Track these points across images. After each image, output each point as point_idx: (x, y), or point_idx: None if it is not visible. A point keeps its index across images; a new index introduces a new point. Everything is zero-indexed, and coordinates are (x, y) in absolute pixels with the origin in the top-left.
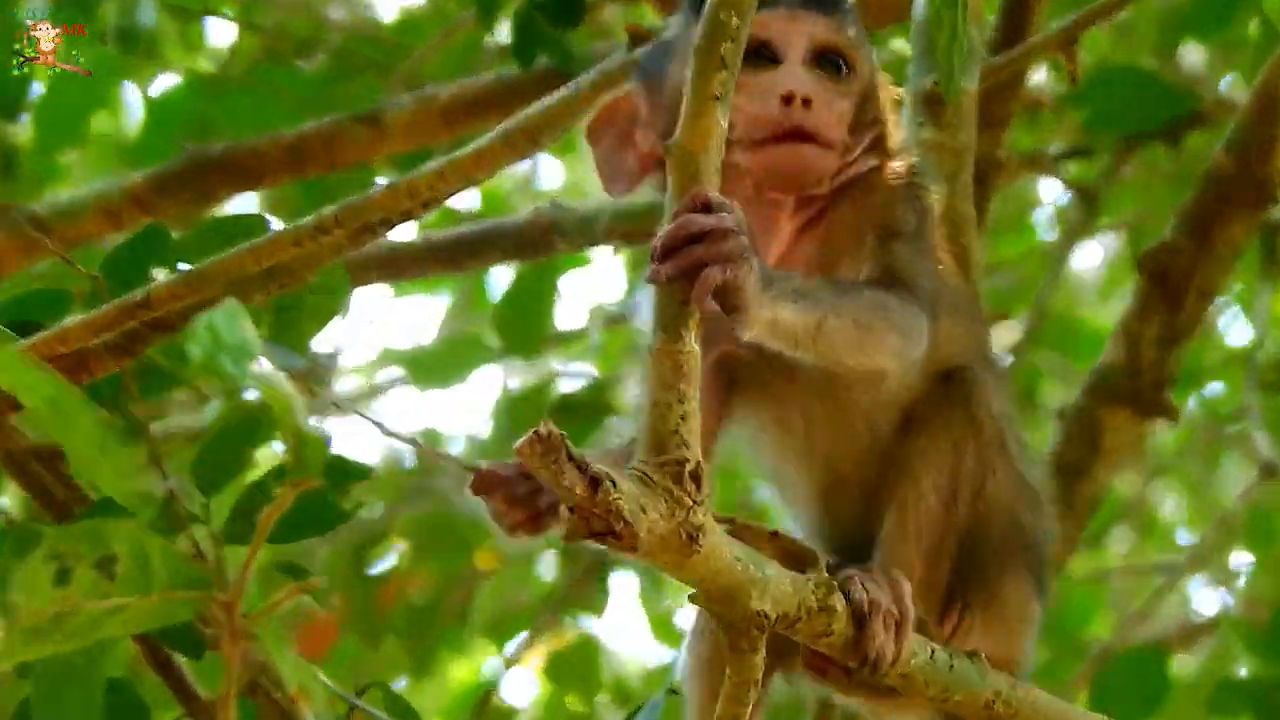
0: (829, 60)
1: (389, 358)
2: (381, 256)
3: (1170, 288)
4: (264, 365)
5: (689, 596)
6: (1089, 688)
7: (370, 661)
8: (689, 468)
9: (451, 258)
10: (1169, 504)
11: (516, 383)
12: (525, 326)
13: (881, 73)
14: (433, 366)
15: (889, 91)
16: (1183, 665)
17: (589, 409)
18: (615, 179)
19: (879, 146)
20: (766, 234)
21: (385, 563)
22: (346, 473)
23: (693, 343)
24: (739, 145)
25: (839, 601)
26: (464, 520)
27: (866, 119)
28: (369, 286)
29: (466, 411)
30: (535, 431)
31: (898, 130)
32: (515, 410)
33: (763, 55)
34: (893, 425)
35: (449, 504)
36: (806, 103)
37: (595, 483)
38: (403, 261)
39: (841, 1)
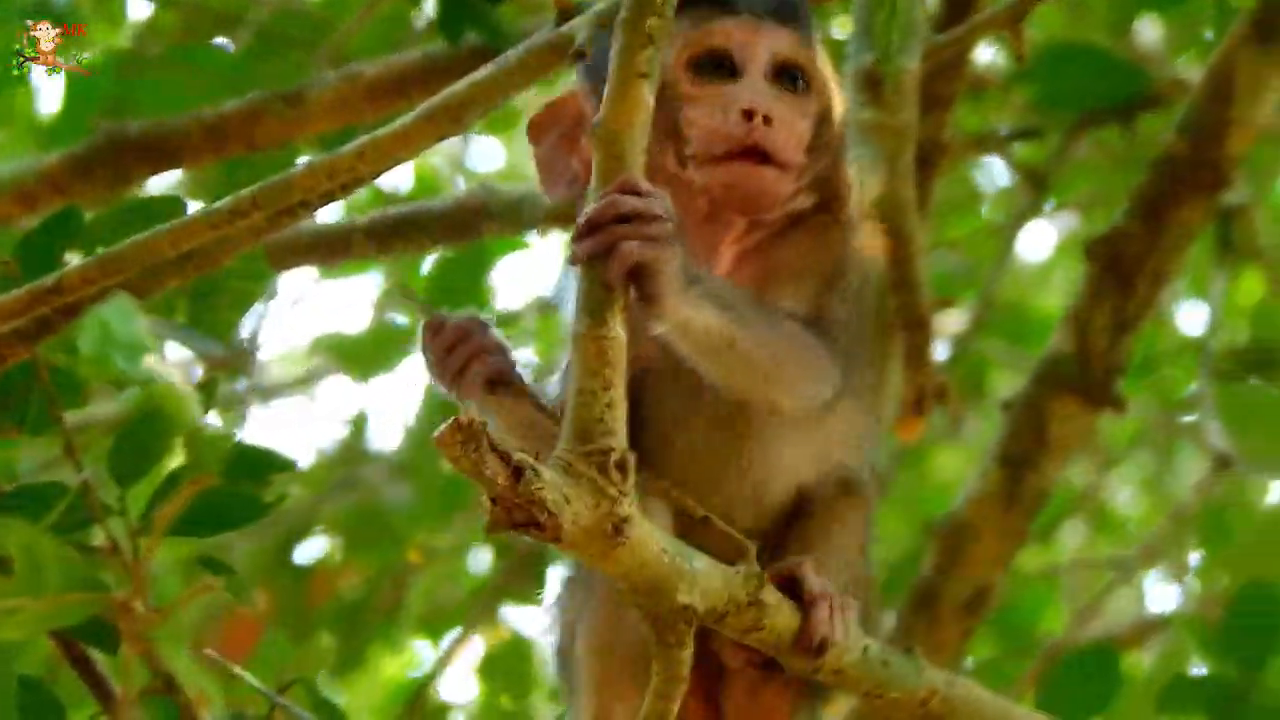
0: (789, 75)
1: (319, 346)
2: (306, 240)
3: (1122, 273)
4: (157, 362)
5: (617, 591)
6: (1037, 685)
7: (299, 657)
8: (614, 457)
9: (379, 241)
10: (1122, 496)
11: None
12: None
13: (839, 94)
14: (361, 354)
15: (845, 110)
16: (1135, 662)
17: None
18: (554, 181)
19: (830, 180)
20: (710, 254)
21: (313, 554)
22: (270, 464)
23: (618, 329)
24: (694, 160)
25: (770, 595)
26: (394, 512)
27: (821, 142)
28: (295, 270)
29: (399, 398)
30: (455, 419)
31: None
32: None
33: (722, 66)
34: (780, 495)
35: (378, 495)
36: (767, 120)
37: (518, 472)
38: (329, 244)
39: (803, 14)
